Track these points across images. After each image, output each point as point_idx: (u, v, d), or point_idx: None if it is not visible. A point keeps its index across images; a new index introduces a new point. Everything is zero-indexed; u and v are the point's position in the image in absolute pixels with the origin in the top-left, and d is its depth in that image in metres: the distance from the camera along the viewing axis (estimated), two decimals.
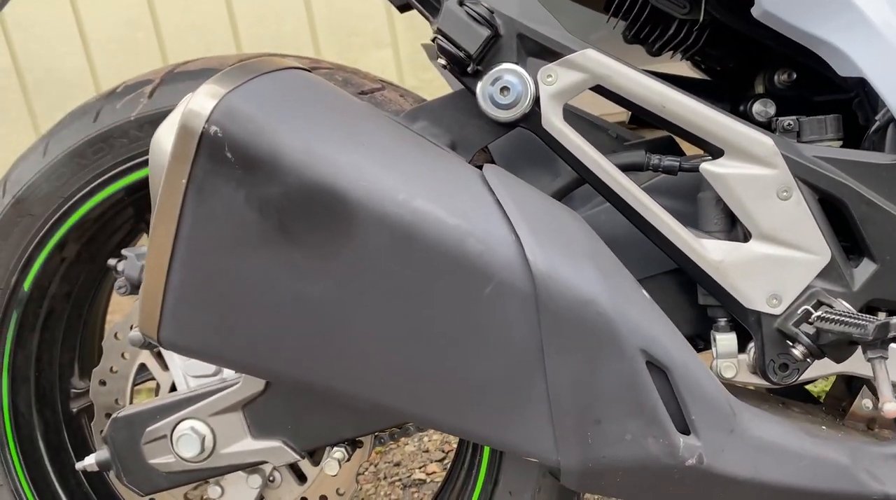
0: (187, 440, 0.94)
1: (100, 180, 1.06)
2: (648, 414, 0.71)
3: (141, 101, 1.04)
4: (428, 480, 1.77)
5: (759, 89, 1.03)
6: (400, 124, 0.80)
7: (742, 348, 0.87)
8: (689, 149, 0.91)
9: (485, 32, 0.74)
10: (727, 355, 0.86)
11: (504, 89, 0.78)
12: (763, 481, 0.76)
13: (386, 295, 0.70)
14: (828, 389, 1.06)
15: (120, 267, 0.99)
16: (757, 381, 0.87)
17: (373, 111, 0.79)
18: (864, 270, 0.81)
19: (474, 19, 0.74)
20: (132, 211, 1.15)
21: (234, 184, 0.66)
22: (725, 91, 1.07)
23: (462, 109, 0.85)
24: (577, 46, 0.79)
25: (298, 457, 0.94)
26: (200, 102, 0.64)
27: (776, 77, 1.01)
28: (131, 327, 1.06)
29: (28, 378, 1.15)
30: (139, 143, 1.04)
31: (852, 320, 0.74)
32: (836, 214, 0.82)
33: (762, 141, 0.80)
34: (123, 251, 1.00)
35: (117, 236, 1.20)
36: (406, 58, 2.68)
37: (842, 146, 0.86)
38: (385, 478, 1.77)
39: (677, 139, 0.93)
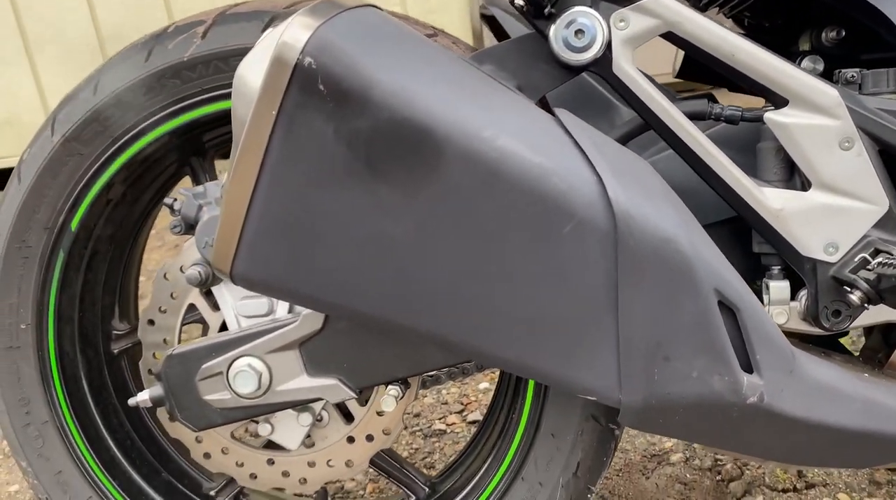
0: (244, 376, 0.96)
1: (149, 121, 1.06)
2: (717, 352, 0.73)
3: (194, 41, 1.03)
4: (448, 430, 1.80)
5: (805, 47, 1.04)
6: (474, 66, 0.81)
7: (793, 295, 0.89)
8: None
9: None
10: (780, 302, 0.89)
11: (579, 32, 0.79)
12: (817, 421, 0.79)
13: (465, 232, 0.72)
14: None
15: (176, 206, 0.99)
16: (806, 328, 0.89)
17: (448, 52, 0.79)
18: None
19: None
20: (177, 155, 1.15)
21: (325, 117, 0.66)
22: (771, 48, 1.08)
23: (529, 54, 0.85)
24: None
25: (353, 395, 0.96)
26: (294, 34, 0.64)
27: (824, 34, 1.02)
28: (181, 269, 1.08)
29: (72, 319, 1.16)
30: (191, 84, 1.04)
31: None
32: (893, 164, 0.84)
33: (827, 92, 0.81)
34: (180, 190, 1.01)
35: (161, 179, 1.20)
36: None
37: None
38: (406, 428, 1.80)
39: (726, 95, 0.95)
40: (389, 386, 0.99)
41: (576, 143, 0.73)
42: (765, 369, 0.76)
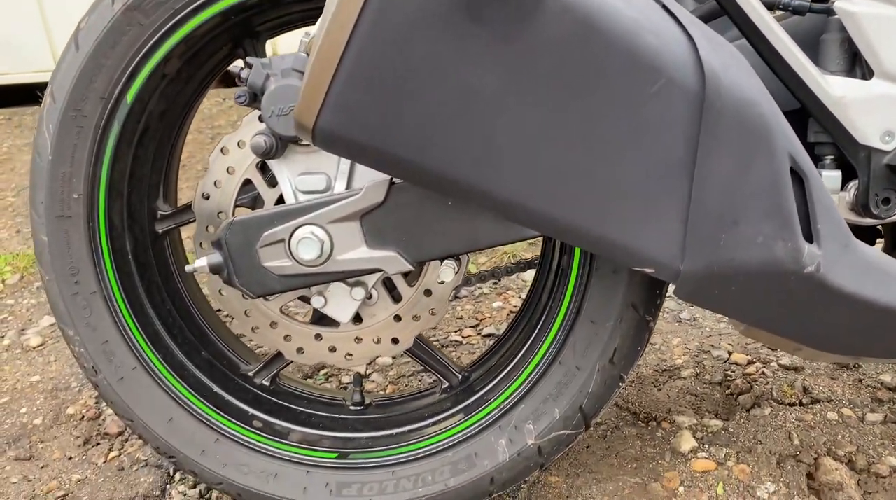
0: (307, 243, 0.98)
1: None
2: (784, 218, 0.77)
3: None
4: (464, 342, 1.85)
5: None
6: None
7: (843, 187, 0.93)
8: None
9: None
10: (831, 191, 0.92)
11: None
12: (865, 297, 0.83)
13: (553, 87, 0.74)
14: None
15: (244, 75, 1.01)
16: (854, 218, 0.94)
17: None
18: None
19: None
20: (231, 35, 1.16)
21: None
22: None
23: None
24: None
25: (410, 267, 0.99)
26: None
27: None
28: (239, 144, 1.09)
29: (122, 193, 1.18)
30: None
31: None
32: None
33: None
34: (248, 59, 1.02)
35: (214, 59, 1.20)
36: None
37: None
38: None
39: None
40: (444, 262, 1.02)
41: (665, 7, 0.75)
42: (824, 240, 0.80)
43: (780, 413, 1.50)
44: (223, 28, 1.13)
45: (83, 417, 1.61)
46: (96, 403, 1.66)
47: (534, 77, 0.74)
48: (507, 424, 1.15)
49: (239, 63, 1.07)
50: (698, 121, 0.73)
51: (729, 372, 1.64)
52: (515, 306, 2.03)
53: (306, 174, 1.05)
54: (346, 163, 1.04)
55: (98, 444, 1.53)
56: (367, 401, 1.30)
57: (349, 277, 1.02)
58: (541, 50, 0.72)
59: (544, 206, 0.82)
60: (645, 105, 0.74)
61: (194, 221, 1.23)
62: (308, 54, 0.99)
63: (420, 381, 1.69)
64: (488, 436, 1.16)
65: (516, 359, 1.19)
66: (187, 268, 1.06)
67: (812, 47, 0.93)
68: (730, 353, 1.73)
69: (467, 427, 1.17)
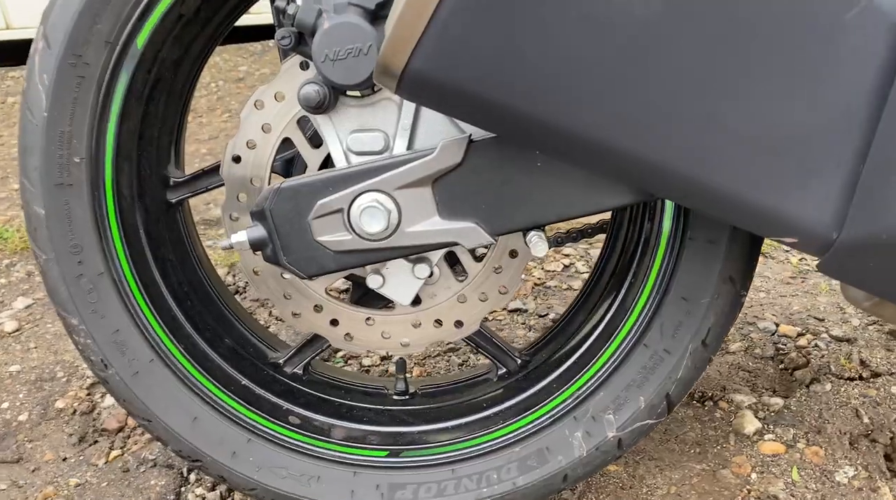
0: (371, 213, 0.83)
1: None
2: None
3: None
4: (489, 318, 1.71)
5: None
6: None
7: None
8: None
9: None
10: None
11: None
12: None
13: (715, 17, 0.60)
14: None
15: (291, 10, 0.83)
16: None
17: None
18: None
19: None
20: None
21: None
22: None
23: None
24: None
25: (491, 240, 0.85)
26: None
27: None
28: (276, 96, 0.92)
29: (130, 157, 1.00)
30: None
31: None
32: None
33: None
34: None
35: (232, 2, 1.02)
36: None
37: None
38: None
39: None
40: (531, 233, 0.87)
41: None
42: None
43: (843, 389, 1.40)
44: None
45: (75, 411, 1.43)
46: (88, 394, 1.48)
47: (691, 4, 0.59)
48: (583, 415, 1.02)
49: None
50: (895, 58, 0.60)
51: (780, 346, 1.54)
52: (540, 279, 1.89)
53: (360, 132, 0.89)
54: (407, 118, 0.88)
55: (96, 442, 1.36)
56: (413, 389, 1.15)
57: (418, 252, 0.87)
58: None
59: (683, 164, 0.68)
60: (832, 35, 0.60)
61: (211, 189, 1.07)
62: None
63: (448, 361, 1.56)
64: (562, 429, 1.02)
65: (589, 342, 1.05)
66: (222, 244, 0.89)
67: None
68: (777, 324, 1.62)
69: (537, 419, 1.04)
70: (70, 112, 0.93)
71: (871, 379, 1.44)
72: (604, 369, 1.02)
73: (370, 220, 0.83)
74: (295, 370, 1.12)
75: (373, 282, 0.93)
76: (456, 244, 0.85)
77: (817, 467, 1.22)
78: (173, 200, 1.08)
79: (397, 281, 0.93)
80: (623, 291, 1.04)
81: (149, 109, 1.01)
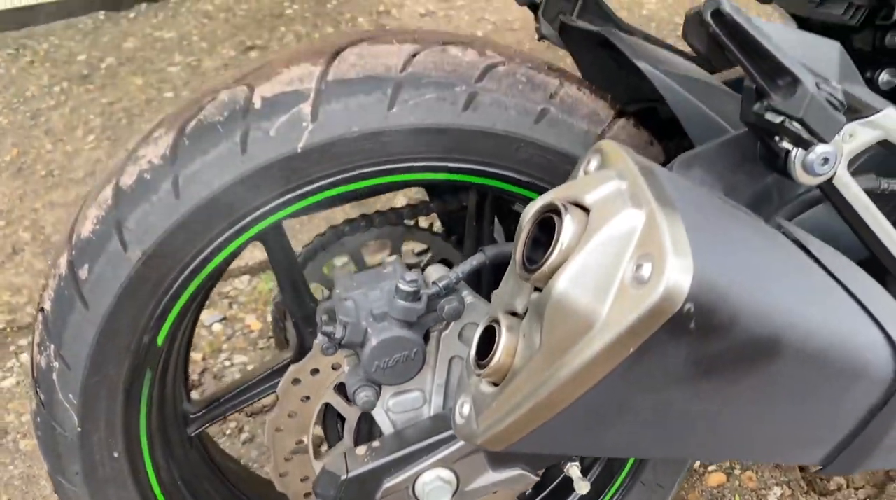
0: (437, 490, 0.93)
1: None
2: None
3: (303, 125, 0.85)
4: None
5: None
6: (743, 212, 0.76)
7: None
8: None
9: (843, 121, 0.72)
10: None
11: (825, 160, 0.77)
12: None
13: (757, 396, 0.73)
14: None
15: (338, 333, 0.87)
16: None
17: (731, 210, 0.74)
18: None
19: (832, 105, 0.71)
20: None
21: (684, 347, 0.62)
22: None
23: (736, 158, 0.83)
24: (880, 104, 0.79)
25: (536, 479, 0.98)
26: (675, 280, 0.57)
27: None
28: (310, 371, 0.97)
29: (161, 427, 1.02)
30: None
31: None
32: None
33: None
34: (331, 308, 0.88)
35: None
36: None
37: None
38: None
39: None
40: (569, 464, 1.01)
41: (841, 284, 0.75)
42: None
43: None
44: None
45: None
46: None
47: (745, 398, 0.72)
48: None
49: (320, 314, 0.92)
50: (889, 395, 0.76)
51: None
52: None
53: (399, 395, 0.97)
54: (441, 377, 0.97)
55: None
56: None
57: None
58: (766, 386, 0.70)
59: (709, 454, 0.83)
60: (842, 390, 0.75)
61: (224, 416, 1.12)
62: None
63: None
64: None
65: None
66: None
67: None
68: None
69: None
70: (103, 420, 0.94)
71: None
72: None
73: (436, 495, 0.93)
74: None
75: None
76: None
77: (753, 492, 1.52)
78: (192, 434, 1.11)
79: None
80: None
81: (165, 378, 1.02)
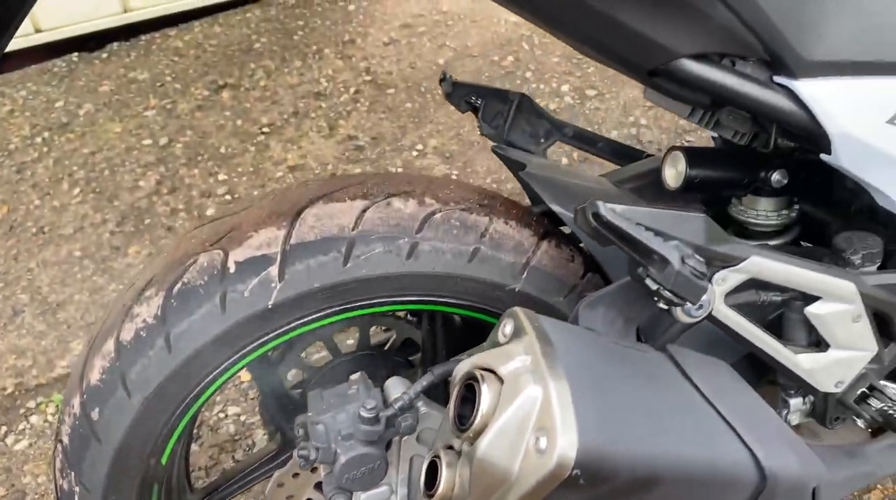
0: None
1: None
2: None
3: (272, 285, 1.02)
4: None
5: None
6: (635, 351, 0.94)
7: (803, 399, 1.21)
8: None
9: (706, 287, 0.89)
10: (795, 410, 1.20)
11: (700, 306, 0.94)
12: None
13: None
14: None
15: (312, 456, 1.04)
16: (808, 420, 1.23)
17: (621, 355, 0.91)
18: (893, 350, 1.16)
19: (696, 276, 0.88)
20: None
21: (578, 496, 0.79)
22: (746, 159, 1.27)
23: (632, 297, 1.00)
24: (745, 253, 0.96)
25: None
26: (564, 450, 0.74)
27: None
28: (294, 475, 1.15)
29: None
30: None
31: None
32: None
33: (847, 287, 1.06)
34: (303, 426, 1.05)
35: None
36: None
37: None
38: None
39: None
40: None
41: (710, 403, 0.93)
42: None
43: None
44: None
45: None
46: None
47: None
48: None
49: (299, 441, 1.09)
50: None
51: None
52: None
53: (370, 490, 1.15)
54: (404, 472, 1.15)
55: None
56: None
57: None
58: None
59: None
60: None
61: None
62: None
63: None
64: None
65: None
66: None
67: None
68: None
69: None
70: None
71: None
72: None
73: None
74: None
75: None
76: None
77: None
78: None
79: None
80: None
81: (171, 482, 1.19)
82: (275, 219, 1.06)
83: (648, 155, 1.55)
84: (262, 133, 3.13)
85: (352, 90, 3.32)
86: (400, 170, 2.86)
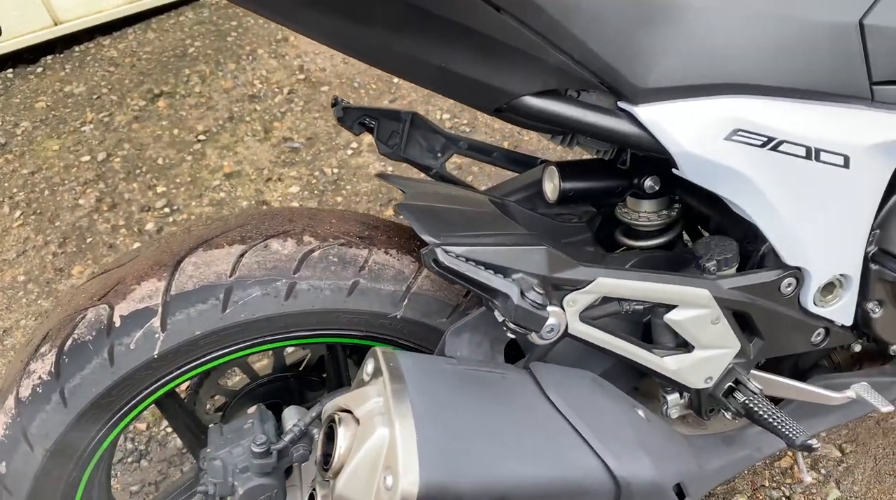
0: None
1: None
2: None
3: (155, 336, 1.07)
4: None
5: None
6: (485, 373, 1.00)
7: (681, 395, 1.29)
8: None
9: (546, 316, 0.95)
10: (674, 404, 1.28)
11: (551, 329, 1.01)
12: None
13: None
14: None
15: (211, 491, 1.11)
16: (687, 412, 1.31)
17: (478, 380, 0.98)
18: (756, 344, 1.23)
19: (535, 307, 0.94)
20: None
21: None
22: (617, 169, 1.33)
23: (495, 321, 1.06)
24: (592, 276, 1.03)
25: None
26: (408, 491, 0.81)
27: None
28: None
29: None
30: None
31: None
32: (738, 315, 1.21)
33: (702, 293, 1.13)
34: (204, 465, 1.11)
35: None
36: None
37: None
38: None
39: None
40: None
41: (564, 417, 1.00)
42: None
43: None
44: None
45: None
46: None
47: None
48: None
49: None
50: None
51: None
52: None
53: None
54: (307, 494, 1.22)
55: None
56: None
57: None
58: None
59: None
60: None
61: None
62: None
63: None
64: None
65: None
66: None
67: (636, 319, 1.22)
68: None
69: None
70: None
71: None
72: None
73: None
74: None
75: None
76: None
77: None
78: None
79: None
80: None
81: None
82: (156, 270, 1.11)
83: (543, 161, 1.60)
84: (199, 141, 3.15)
85: (286, 90, 3.33)
86: (335, 170, 2.89)
